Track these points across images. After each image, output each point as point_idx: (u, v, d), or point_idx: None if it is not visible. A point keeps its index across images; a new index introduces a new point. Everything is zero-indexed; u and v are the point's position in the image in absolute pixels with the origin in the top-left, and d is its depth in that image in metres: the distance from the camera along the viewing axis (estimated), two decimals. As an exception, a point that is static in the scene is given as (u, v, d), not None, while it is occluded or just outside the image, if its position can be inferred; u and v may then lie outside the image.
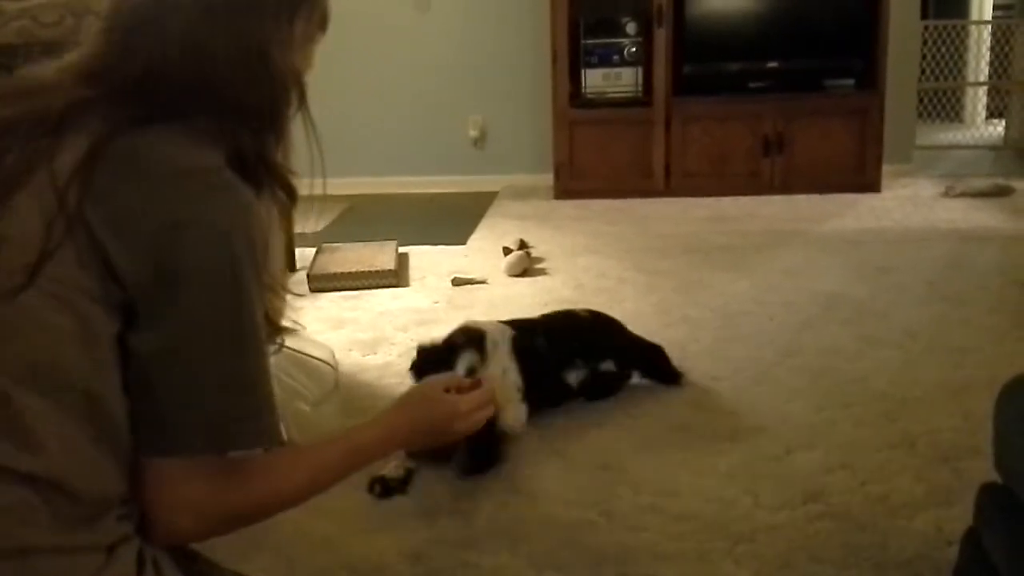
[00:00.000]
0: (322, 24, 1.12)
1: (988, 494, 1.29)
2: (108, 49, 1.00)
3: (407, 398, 1.30)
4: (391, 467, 1.90)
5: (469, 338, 2.08)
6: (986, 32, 6.41)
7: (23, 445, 0.88)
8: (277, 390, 1.02)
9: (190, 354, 0.93)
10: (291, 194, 1.09)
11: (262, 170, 1.04)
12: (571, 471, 1.96)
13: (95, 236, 0.91)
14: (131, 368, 0.94)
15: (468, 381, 1.38)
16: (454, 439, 1.32)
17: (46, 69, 1.03)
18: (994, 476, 1.26)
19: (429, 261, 3.65)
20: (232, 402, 0.96)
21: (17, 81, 1.04)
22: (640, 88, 4.62)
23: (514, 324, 2.24)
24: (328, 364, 2.09)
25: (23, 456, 0.88)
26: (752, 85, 4.61)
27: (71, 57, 1.03)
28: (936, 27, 5.92)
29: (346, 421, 2.22)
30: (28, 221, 0.91)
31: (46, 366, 0.90)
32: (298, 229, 3.68)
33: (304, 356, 1.98)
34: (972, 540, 1.32)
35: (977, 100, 6.53)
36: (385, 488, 1.86)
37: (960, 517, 1.62)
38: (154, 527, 0.96)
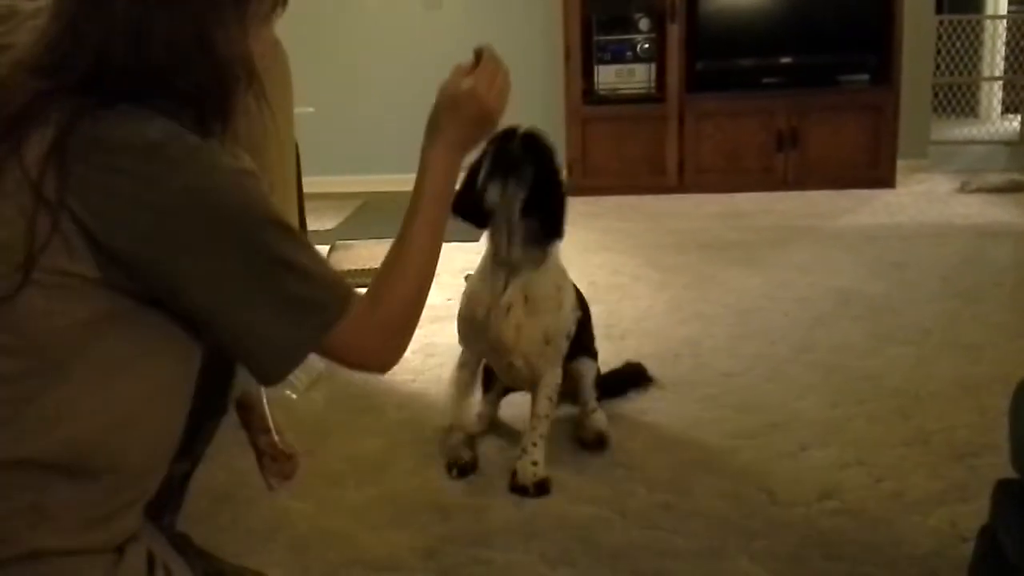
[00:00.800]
0: (279, 2, 1.08)
1: (1004, 490, 1.28)
2: (59, 36, 0.98)
3: (434, 118, 1.31)
4: (464, 452, 1.97)
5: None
6: (1001, 26, 6.37)
7: (37, 436, 0.89)
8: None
9: (247, 284, 0.96)
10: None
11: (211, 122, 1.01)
12: (584, 469, 1.96)
13: (82, 224, 0.90)
14: (197, 322, 0.98)
15: (467, 62, 1.34)
16: (498, 114, 1.35)
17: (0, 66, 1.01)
18: (1010, 472, 1.25)
19: (442, 257, 3.63)
20: (322, 282, 1.04)
21: None
22: (653, 84, 4.62)
23: None
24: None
25: (35, 444, 0.89)
26: (765, 81, 4.59)
27: (24, 47, 1.01)
28: (951, 22, 5.89)
29: (334, 412, 2.23)
30: (9, 221, 0.90)
31: (59, 355, 0.91)
32: (312, 227, 3.69)
33: None
34: (988, 537, 1.31)
35: (992, 95, 6.49)
36: (462, 469, 1.94)
37: (975, 514, 1.62)
38: (369, 368, 1.12)
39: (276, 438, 1.26)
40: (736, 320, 2.83)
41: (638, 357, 2.56)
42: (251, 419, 1.26)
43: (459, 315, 2.04)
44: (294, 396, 2.07)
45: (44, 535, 0.88)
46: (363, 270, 3.35)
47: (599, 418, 2.11)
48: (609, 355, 2.59)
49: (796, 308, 2.92)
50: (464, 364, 2.05)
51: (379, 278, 1.14)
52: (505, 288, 1.93)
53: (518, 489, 1.86)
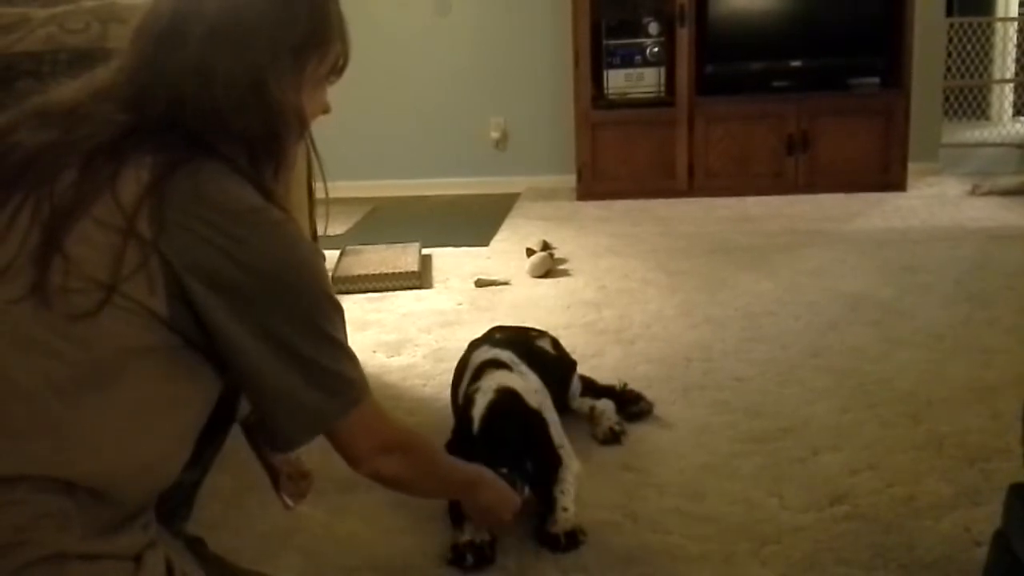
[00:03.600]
0: (335, 70, 1.18)
1: (1016, 494, 1.28)
2: (138, 69, 1.05)
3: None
4: (473, 532, 1.68)
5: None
6: (1012, 29, 6.35)
7: (67, 452, 0.92)
8: None
9: (299, 348, 1.06)
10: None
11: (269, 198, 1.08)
12: (595, 473, 1.96)
13: (169, 266, 0.98)
14: (238, 371, 1.06)
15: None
16: (494, 519, 1.60)
17: (78, 90, 1.08)
18: (1022, 476, 1.25)
19: (452, 263, 3.66)
20: (346, 365, 1.13)
21: (53, 103, 1.08)
22: (663, 88, 4.62)
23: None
24: None
25: (64, 463, 0.91)
26: (776, 84, 4.59)
27: (103, 75, 1.08)
28: (961, 24, 5.87)
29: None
30: (98, 246, 0.97)
31: (110, 374, 0.97)
32: (322, 232, 3.70)
33: None
34: (1000, 542, 1.31)
35: (1004, 97, 6.46)
36: (479, 555, 1.64)
37: (988, 518, 1.61)
38: (377, 473, 1.23)
39: (292, 456, 1.27)
40: (747, 324, 2.83)
41: (648, 362, 2.56)
42: (263, 438, 1.27)
43: None
44: None
45: (69, 539, 0.90)
46: (373, 275, 3.36)
47: (608, 411, 2.14)
48: (618, 360, 2.60)
49: (807, 312, 2.91)
50: None
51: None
52: None
53: (548, 540, 1.69)
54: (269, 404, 1.07)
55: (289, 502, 1.22)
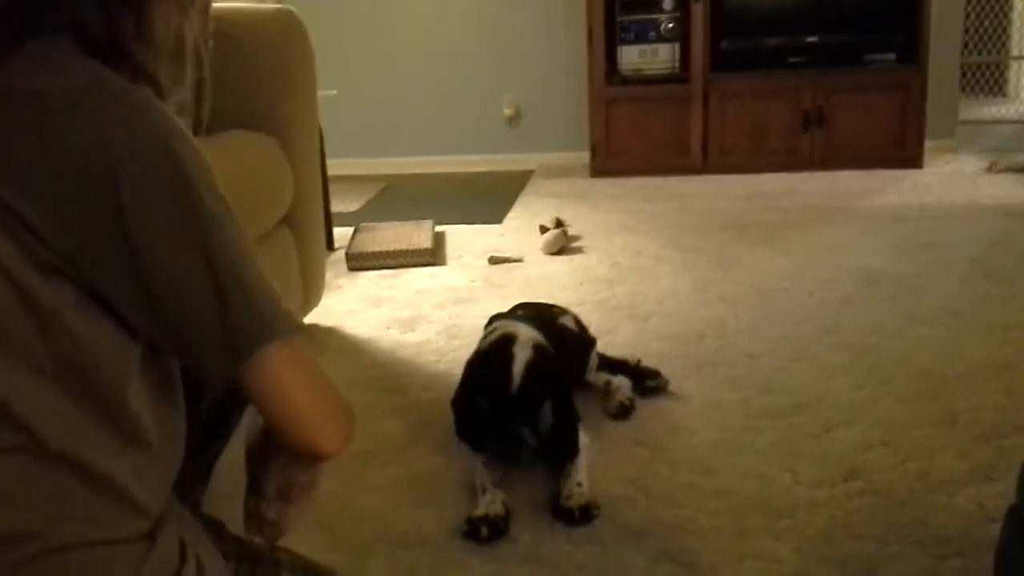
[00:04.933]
0: None
1: (1032, 471, 1.28)
2: None
3: None
4: (488, 506, 1.70)
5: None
6: (1032, 4, 6.26)
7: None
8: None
9: (186, 275, 0.84)
10: (156, 91, 0.92)
11: (118, 61, 0.88)
12: (607, 449, 1.96)
13: (2, 199, 0.82)
14: (134, 315, 0.86)
15: None
16: None
17: None
18: (1038, 452, 1.24)
19: (465, 240, 3.66)
20: (260, 289, 0.89)
21: None
22: (677, 64, 4.58)
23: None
24: None
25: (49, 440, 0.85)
26: (791, 60, 4.55)
27: None
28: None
29: (359, 392, 2.24)
30: None
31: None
32: (335, 209, 3.71)
33: None
34: (1015, 517, 1.30)
35: (1022, 74, 6.39)
36: (494, 528, 1.65)
37: (1002, 494, 1.61)
38: (318, 438, 0.93)
39: (263, 503, 1.17)
40: (761, 301, 2.82)
41: (661, 338, 2.56)
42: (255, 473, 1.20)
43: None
44: None
45: (73, 527, 0.86)
46: (386, 252, 3.36)
47: (623, 387, 2.15)
48: (632, 336, 2.60)
49: (822, 289, 2.90)
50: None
51: None
52: None
53: (562, 513, 1.70)
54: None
55: (255, 540, 1.17)
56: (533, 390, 1.80)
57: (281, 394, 0.89)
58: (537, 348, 1.87)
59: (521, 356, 1.83)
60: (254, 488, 1.13)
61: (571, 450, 1.83)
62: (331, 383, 0.95)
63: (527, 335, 1.91)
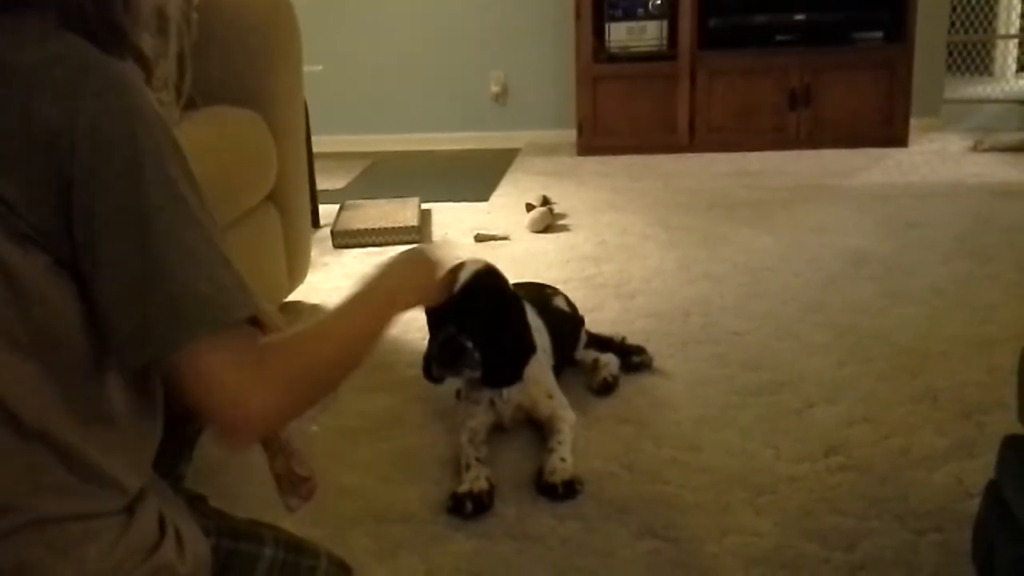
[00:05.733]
0: None
1: (1010, 447, 1.29)
2: None
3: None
4: (472, 482, 1.71)
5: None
6: (1019, -17, 6.27)
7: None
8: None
9: (135, 246, 0.83)
10: (143, 65, 0.92)
11: (112, 39, 0.89)
12: (592, 425, 1.98)
13: None
14: (89, 290, 0.84)
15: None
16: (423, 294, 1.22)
17: None
18: (1017, 429, 1.26)
19: (452, 217, 3.65)
20: (212, 273, 0.86)
21: None
22: (665, 42, 4.57)
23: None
24: None
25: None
26: (779, 38, 4.54)
27: None
28: (967, -22, 5.80)
29: (367, 374, 2.25)
30: None
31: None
32: (322, 186, 3.69)
33: None
34: (994, 492, 1.32)
35: (1008, 53, 6.40)
36: (478, 503, 1.67)
37: (982, 470, 1.63)
38: (226, 430, 0.87)
39: (293, 460, 1.20)
40: (746, 279, 2.84)
41: (647, 316, 2.57)
42: (267, 439, 1.22)
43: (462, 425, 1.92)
44: (315, 428, 1.95)
45: (49, 501, 0.86)
46: (372, 229, 3.35)
47: (611, 364, 2.16)
48: (617, 314, 2.60)
49: (807, 268, 2.91)
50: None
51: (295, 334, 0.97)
52: (492, 403, 1.91)
53: (546, 489, 1.71)
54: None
55: (292, 504, 1.19)
56: (473, 296, 1.74)
57: (194, 392, 0.86)
58: (489, 267, 1.84)
59: (471, 268, 1.79)
60: (276, 449, 1.14)
61: (511, 376, 1.83)
62: (276, 374, 0.89)
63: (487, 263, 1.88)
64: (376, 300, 1.09)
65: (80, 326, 0.86)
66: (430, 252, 1.22)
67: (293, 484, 1.13)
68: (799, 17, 4.52)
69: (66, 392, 0.87)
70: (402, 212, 3.54)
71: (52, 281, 0.84)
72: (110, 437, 0.90)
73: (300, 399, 0.93)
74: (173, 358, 0.84)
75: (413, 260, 1.20)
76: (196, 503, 1.11)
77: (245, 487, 1.72)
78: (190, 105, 0.98)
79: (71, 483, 0.88)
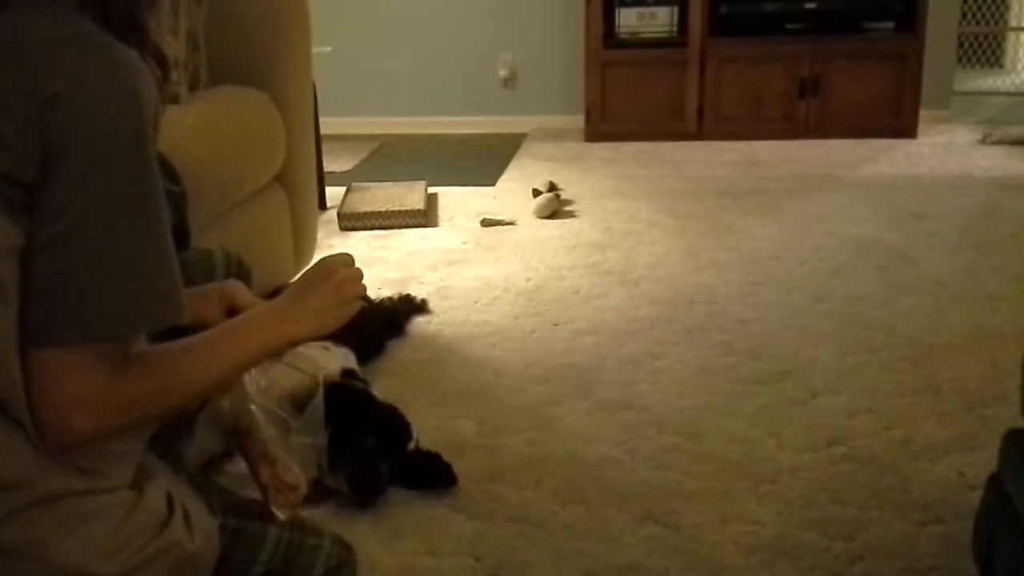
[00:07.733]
0: None
1: (1013, 440, 1.29)
2: None
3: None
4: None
5: None
6: (1032, -26, 6.23)
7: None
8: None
9: (83, 234, 0.84)
10: (162, 64, 0.94)
11: (131, 34, 0.90)
12: (595, 411, 1.98)
13: None
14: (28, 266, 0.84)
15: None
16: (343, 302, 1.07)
17: None
18: (1020, 422, 1.26)
19: (458, 201, 3.65)
20: (131, 282, 0.86)
21: None
22: (675, 28, 4.55)
23: None
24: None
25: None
26: (789, 26, 4.52)
27: None
28: (980, -31, 5.76)
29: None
30: None
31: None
32: (328, 168, 3.69)
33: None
34: (995, 486, 1.32)
35: (1019, 46, 6.36)
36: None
37: (984, 463, 1.64)
38: (44, 429, 0.85)
39: (278, 468, 1.18)
40: (752, 268, 2.83)
41: (652, 303, 2.57)
42: (250, 447, 1.20)
43: None
44: (308, 440, 1.86)
45: (56, 477, 0.86)
46: (378, 212, 3.35)
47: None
48: (622, 301, 2.61)
49: (813, 257, 2.91)
50: None
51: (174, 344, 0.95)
52: None
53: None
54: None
55: (280, 514, 1.19)
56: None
57: (42, 392, 0.85)
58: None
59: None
60: (260, 458, 1.13)
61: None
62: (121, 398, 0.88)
63: None
64: (256, 336, 1.01)
65: None
66: (334, 272, 1.07)
67: (280, 492, 1.12)
68: (810, 6, 4.49)
69: None
70: (409, 195, 3.54)
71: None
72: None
73: (126, 421, 0.90)
74: (46, 353, 0.84)
75: (316, 281, 1.07)
76: (199, 481, 1.12)
77: (245, 489, 1.73)
78: (197, 84, 0.98)
79: (77, 458, 0.88)
